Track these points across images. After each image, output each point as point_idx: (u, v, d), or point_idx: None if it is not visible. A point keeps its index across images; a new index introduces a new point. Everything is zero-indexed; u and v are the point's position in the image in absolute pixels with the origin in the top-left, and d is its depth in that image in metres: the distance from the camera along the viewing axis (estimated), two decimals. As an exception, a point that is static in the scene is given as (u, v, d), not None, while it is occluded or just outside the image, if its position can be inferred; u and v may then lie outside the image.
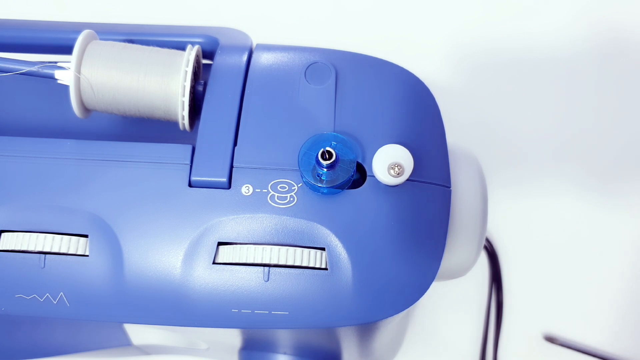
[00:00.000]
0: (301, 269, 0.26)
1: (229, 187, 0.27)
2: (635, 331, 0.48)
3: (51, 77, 0.27)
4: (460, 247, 0.31)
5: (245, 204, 0.26)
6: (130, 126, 0.31)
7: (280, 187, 0.26)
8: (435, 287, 0.28)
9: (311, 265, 0.26)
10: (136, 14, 0.52)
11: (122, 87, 0.27)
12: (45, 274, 0.26)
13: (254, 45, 0.31)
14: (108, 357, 0.37)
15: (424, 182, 0.27)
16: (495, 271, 0.48)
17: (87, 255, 0.26)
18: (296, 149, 0.27)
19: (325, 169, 0.25)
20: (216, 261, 0.26)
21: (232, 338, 0.31)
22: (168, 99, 0.27)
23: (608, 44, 0.51)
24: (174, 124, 0.29)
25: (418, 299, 0.26)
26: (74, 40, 0.27)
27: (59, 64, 0.28)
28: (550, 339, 0.47)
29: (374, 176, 0.26)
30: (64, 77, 0.27)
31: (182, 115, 0.28)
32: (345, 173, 0.26)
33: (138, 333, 0.33)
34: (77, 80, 0.27)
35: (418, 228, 0.27)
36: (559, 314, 0.48)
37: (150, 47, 0.28)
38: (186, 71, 0.27)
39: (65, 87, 0.28)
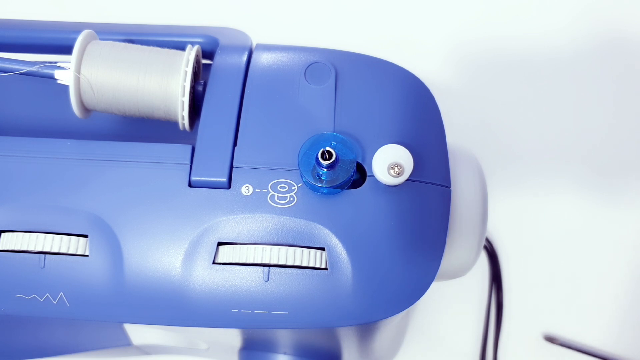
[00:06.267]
0: (301, 269, 0.26)
1: (229, 187, 0.27)
2: (635, 331, 0.48)
3: (51, 77, 0.27)
4: (460, 247, 0.31)
5: (245, 204, 0.26)
6: (130, 126, 0.31)
7: (280, 187, 0.26)
8: (435, 287, 0.28)
9: (311, 265, 0.26)
10: (136, 14, 0.52)
11: (122, 87, 0.27)
12: (45, 274, 0.26)
13: (254, 45, 0.31)
14: (108, 357, 0.37)
15: (424, 182, 0.27)
16: (495, 271, 0.48)
17: (87, 255, 0.26)
18: (296, 149, 0.27)
19: (325, 169, 0.25)
20: (216, 261, 0.26)
21: (232, 338, 0.31)
22: (168, 99, 0.27)
23: (608, 44, 0.51)
24: (174, 124, 0.29)
25: (418, 299, 0.26)
26: (74, 40, 0.27)
27: (59, 64, 0.28)
28: (550, 339, 0.47)
29: (374, 176, 0.26)
30: (64, 77, 0.27)
31: (182, 115, 0.28)
32: (345, 173, 0.26)
33: (138, 333, 0.33)
34: (77, 80, 0.27)
35: (418, 228, 0.27)
36: (559, 314, 0.48)
37: (150, 47, 0.28)
38: (186, 71, 0.27)
39: (65, 87, 0.28)
